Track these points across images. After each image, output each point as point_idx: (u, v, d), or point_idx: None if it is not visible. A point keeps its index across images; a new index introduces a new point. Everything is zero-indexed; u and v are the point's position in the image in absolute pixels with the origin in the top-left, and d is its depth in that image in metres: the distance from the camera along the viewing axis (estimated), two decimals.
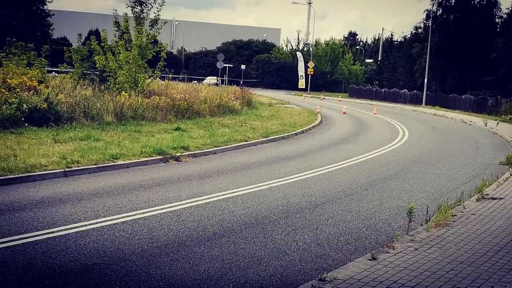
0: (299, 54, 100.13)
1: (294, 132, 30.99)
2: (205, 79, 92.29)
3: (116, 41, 32.14)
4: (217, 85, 77.54)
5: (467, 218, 12.61)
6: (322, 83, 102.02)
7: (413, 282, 8.34)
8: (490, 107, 57.57)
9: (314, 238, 11.13)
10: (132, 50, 31.00)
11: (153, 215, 12.34)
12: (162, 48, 32.98)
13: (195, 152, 21.59)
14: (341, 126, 37.49)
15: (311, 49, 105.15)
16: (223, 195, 14.68)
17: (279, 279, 8.82)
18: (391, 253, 9.75)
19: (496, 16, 72.19)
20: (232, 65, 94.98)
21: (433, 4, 71.28)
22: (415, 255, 9.69)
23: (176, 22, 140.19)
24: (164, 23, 32.90)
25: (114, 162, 18.21)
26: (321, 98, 77.66)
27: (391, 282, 8.33)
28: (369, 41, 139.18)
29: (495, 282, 8.49)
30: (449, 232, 11.37)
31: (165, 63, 32.69)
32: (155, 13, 32.51)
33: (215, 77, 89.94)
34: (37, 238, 10.24)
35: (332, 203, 14.45)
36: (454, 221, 12.25)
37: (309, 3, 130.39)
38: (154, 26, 32.45)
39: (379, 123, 41.61)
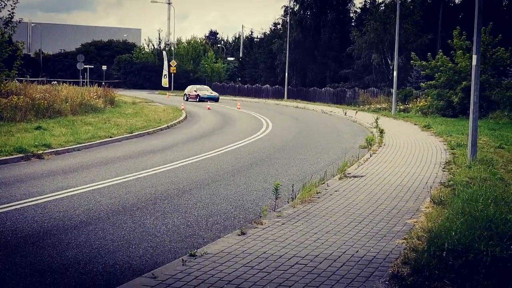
0: (164, 53, 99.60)
1: (159, 127, 30.82)
2: (188, 87, 69.67)
3: None
4: (216, 100, 62.87)
5: (331, 195, 12.99)
6: (185, 81, 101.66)
7: (282, 252, 8.52)
8: (349, 98, 59.55)
9: (183, 221, 11.13)
10: None
11: (15, 209, 11.93)
12: (19, 47, 31.88)
13: (58, 149, 21.04)
14: (206, 121, 37.62)
15: (172, 48, 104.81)
16: (88, 187, 14.40)
17: (149, 259, 8.76)
18: (259, 228, 9.90)
19: (351, 11, 74.84)
20: (93, 66, 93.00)
21: (290, 0, 72.87)
22: (283, 229, 9.89)
23: (33, 24, 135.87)
24: (19, 21, 31.78)
25: None
26: None
27: (260, 253, 8.47)
28: (230, 40, 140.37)
29: (359, 247, 8.80)
30: (314, 207, 11.67)
31: (22, 62, 31.63)
32: (9, 11, 31.33)
33: (207, 88, 70.11)
34: None
35: (200, 189, 14.49)
36: (318, 198, 12.58)
37: (169, 3, 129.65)
38: (9, 25, 31.28)
39: (244, 117, 42.06)
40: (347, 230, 9.82)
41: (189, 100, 64.18)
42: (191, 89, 66.98)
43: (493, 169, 15.85)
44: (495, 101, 37.62)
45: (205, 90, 66.19)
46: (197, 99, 63.28)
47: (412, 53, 42.28)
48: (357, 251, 8.59)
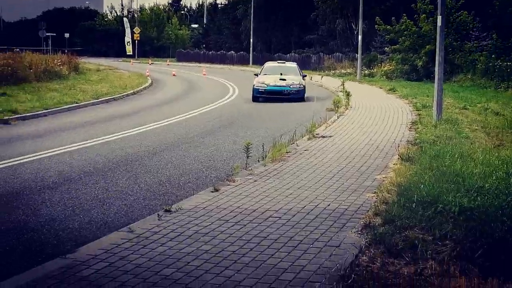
0: (125, 20, 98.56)
1: (125, 93, 30.71)
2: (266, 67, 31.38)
3: None
4: (300, 98, 27.82)
5: (301, 154, 13.16)
6: (149, 48, 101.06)
7: (255, 206, 8.67)
8: (314, 64, 59.61)
9: (155, 180, 11.22)
10: None
11: None
12: None
13: (24, 115, 20.95)
14: (172, 87, 37.52)
15: (136, 15, 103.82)
16: (58, 150, 14.36)
17: (124, 215, 8.86)
18: (232, 185, 10.03)
19: None
20: (55, 34, 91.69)
21: None
22: (255, 186, 10.03)
23: None
24: None
25: None
26: (150, 63, 76.97)
27: (234, 207, 8.61)
28: (194, 6, 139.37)
29: (331, 201, 8.98)
30: (285, 165, 11.82)
31: None
32: None
33: (290, 65, 31.67)
34: None
35: (170, 150, 14.57)
36: (289, 157, 12.74)
37: None
38: None
39: (209, 83, 42.03)
40: (318, 186, 9.99)
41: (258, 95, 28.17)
42: (261, 71, 30.47)
43: (458, 128, 16.15)
44: (458, 64, 38.06)
45: (275, 75, 28.74)
46: (263, 93, 27.99)
47: (377, 17, 42.41)
48: (328, 205, 8.77)
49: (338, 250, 6.82)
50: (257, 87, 27.86)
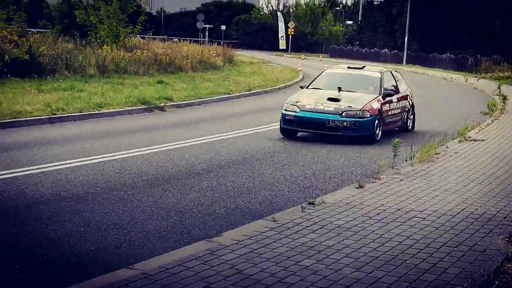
0: (279, 14, 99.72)
1: (277, 86, 31.13)
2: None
3: None
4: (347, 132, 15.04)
5: (450, 156, 12.85)
6: (303, 44, 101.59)
7: (400, 205, 8.58)
8: (470, 65, 57.79)
9: (300, 173, 11.34)
10: (112, 4, 30.85)
11: (141, 154, 12.49)
12: (142, 5, 32.94)
13: (179, 102, 21.72)
14: None
15: (291, 10, 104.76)
16: (209, 138, 14.83)
17: (268, 205, 9.02)
18: (377, 183, 9.96)
19: None
20: (212, 26, 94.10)
21: None
22: (401, 185, 9.91)
23: None
24: None
25: (99, 110, 18.38)
26: (302, 58, 77.48)
27: (378, 205, 8.55)
28: (349, 3, 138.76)
29: (479, 206, 8.73)
30: (433, 166, 11.59)
31: (146, 17, 32.60)
32: None
33: (374, 74, 17.13)
34: (28, 172, 10.35)
35: (318, 144, 14.63)
36: (437, 158, 12.47)
37: None
38: None
39: None
40: (466, 190, 9.73)
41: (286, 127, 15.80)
42: (312, 82, 17.61)
43: None
44: None
45: (328, 92, 15.93)
46: (293, 124, 15.50)
47: None
48: (476, 209, 8.53)
49: (483, 256, 6.64)
50: (285, 112, 15.71)
